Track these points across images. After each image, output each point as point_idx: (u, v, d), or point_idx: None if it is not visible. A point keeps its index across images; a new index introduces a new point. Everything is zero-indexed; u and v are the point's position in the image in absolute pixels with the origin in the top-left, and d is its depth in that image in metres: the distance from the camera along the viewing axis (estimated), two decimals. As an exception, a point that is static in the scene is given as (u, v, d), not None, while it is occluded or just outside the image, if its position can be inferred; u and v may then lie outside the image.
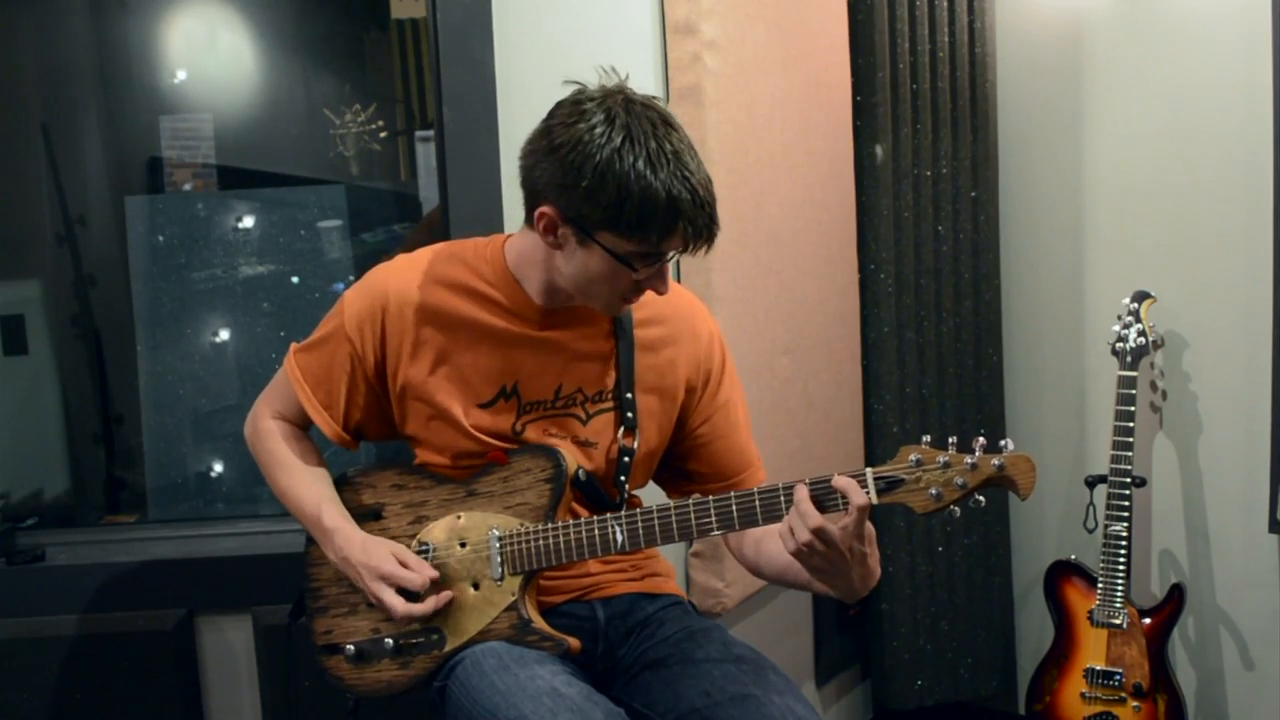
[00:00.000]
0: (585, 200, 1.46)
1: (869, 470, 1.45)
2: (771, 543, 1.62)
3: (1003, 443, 1.45)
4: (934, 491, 1.44)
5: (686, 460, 1.74)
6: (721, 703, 1.53)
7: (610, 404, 1.66)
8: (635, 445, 1.66)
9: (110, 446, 2.76)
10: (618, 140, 1.44)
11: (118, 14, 2.86)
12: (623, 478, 1.66)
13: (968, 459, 1.44)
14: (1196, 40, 2.60)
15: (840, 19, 2.61)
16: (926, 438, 1.47)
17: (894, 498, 1.45)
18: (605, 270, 1.51)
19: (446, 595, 1.60)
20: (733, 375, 1.75)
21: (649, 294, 1.64)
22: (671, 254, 1.51)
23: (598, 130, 1.45)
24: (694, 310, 1.73)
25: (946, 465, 1.44)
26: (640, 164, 1.43)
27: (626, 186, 1.43)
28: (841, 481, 1.44)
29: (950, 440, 1.47)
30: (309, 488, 1.70)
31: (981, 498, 1.46)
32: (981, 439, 1.45)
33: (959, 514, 1.47)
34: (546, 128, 1.50)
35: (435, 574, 1.60)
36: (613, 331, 1.66)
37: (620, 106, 1.46)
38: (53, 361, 2.74)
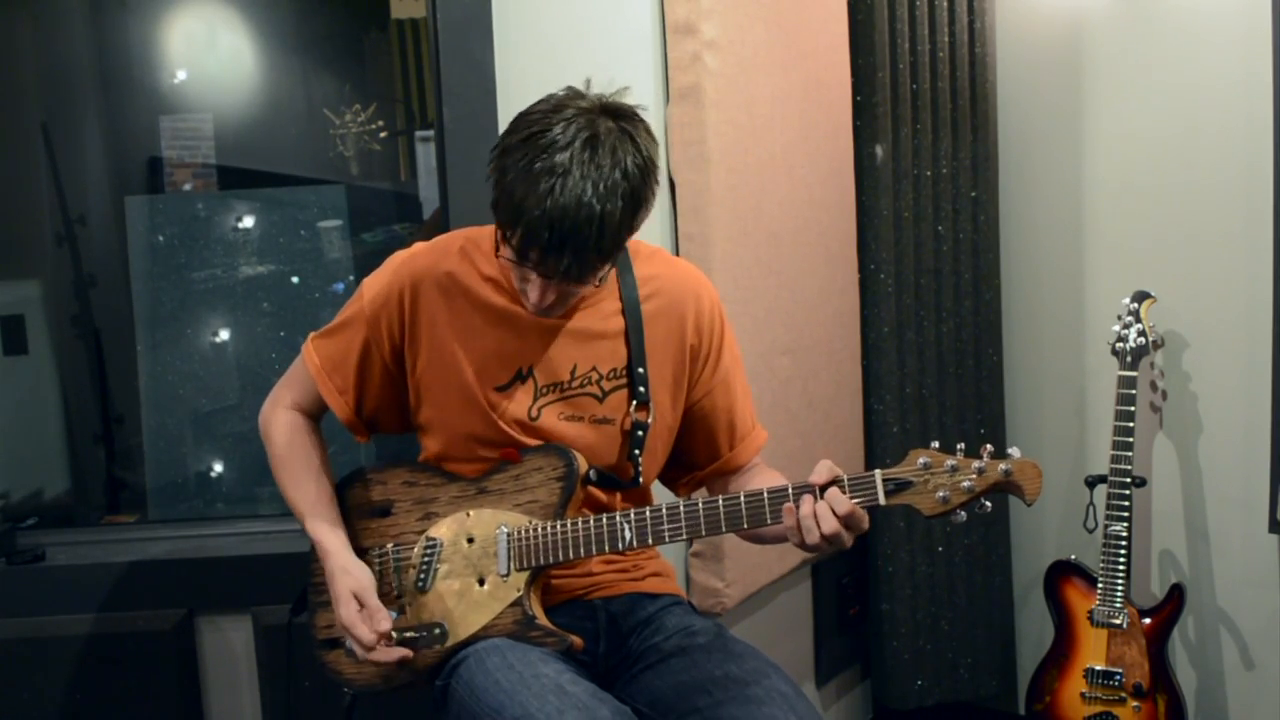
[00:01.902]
0: (492, 176, 1.49)
1: (878, 472, 1.47)
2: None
3: (1010, 450, 1.47)
4: (941, 495, 1.45)
5: (682, 437, 1.75)
6: (722, 702, 1.53)
7: (624, 380, 1.67)
8: (649, 420, 1.67)
9: (110, 446, 2.76)
10: (532, 131, 1.45)
11: (118, 14, 2.87)
12: (636, 451, 1.67)
13: (975, 463, 1.45)
14: (1196, 40, 2.60)
15: (840, 19, 2.61)
16: (935, 443, 1.49)
17: (902, 499, 1.47)
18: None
19: (404, 653, 1.59)
20: (732, 347, 1.77)
21: (653, 268, 1.69)
22: (540, 273, 1.50)
23: (521, 127, 1.47)
24: (697, 281, 1.74)
25: (954, 469, 1.45)
26: (524, 161, 1.44)
27: (503, 172, 1.46)
28: (843, 504, 1.46)
29: (958, 446, 1.48)
30: (302, 491, 1.72)
31: (988, 503, 1.47)
32: (989, 445, 1.47)
33: (965, 518, 1.47)
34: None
35: (386, 628, 1.58)
36: (622, 309, 1.67)
37: (574, 110, 1.47)
38: (53, 361, 2.74)
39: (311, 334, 1.76)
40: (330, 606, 1.70)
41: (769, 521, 1.51)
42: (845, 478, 1.47)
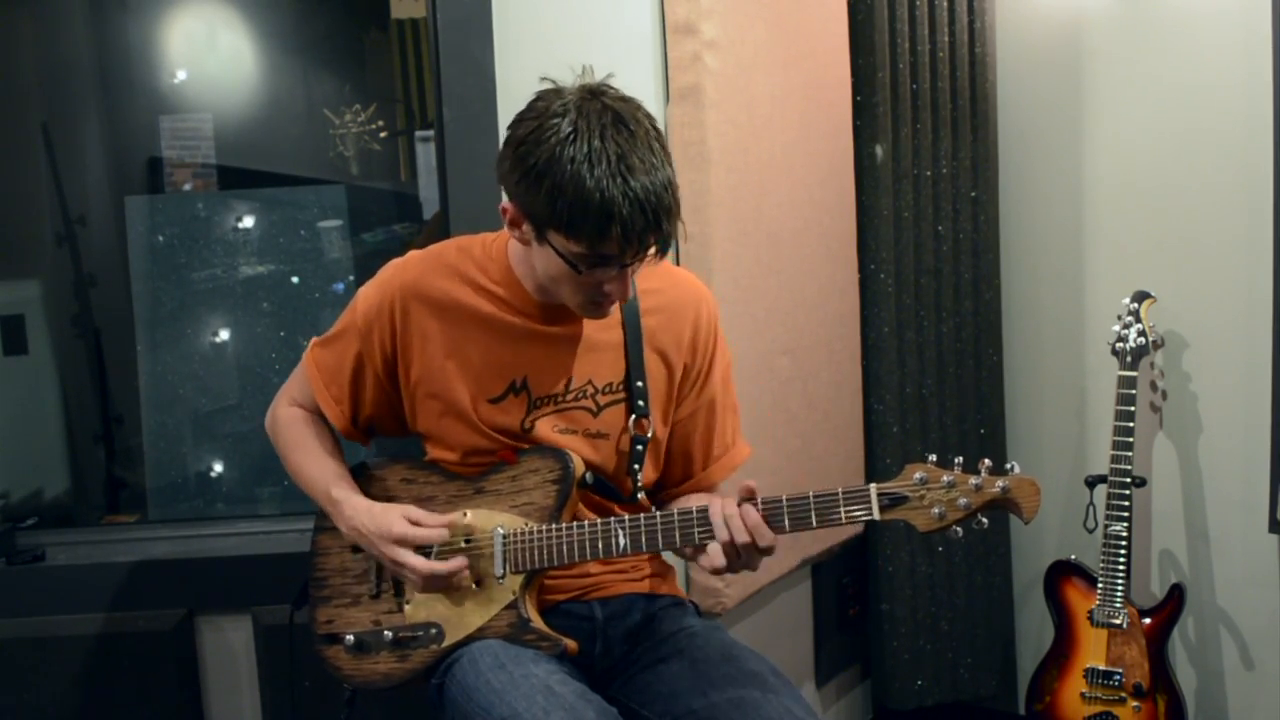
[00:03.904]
0: (529, 196, 1.46)
1: (873, 486, 1.47)
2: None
3: (1008, 465, 1.46)
4: (937, 510, 1.45)
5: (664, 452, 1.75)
6: (720, 704, 1.53)
7: (621, 395, 1.66)
8: (649, 434, 1.67)
9: (110, 446, 2.77)
10: (559, 137, 1.42)
11: (118, 14, 2.87)
12: (636, 466, 1.67)
13: (972, 479, 1.45)
14: (1196, 40, 2.60)
15: (840, 19, 2.61)
16: (932, 457, 1.48)
17: (897, 514, 1.46)
18: (562, 270, 1.50)
19: (463, 561, 1.59)
20: (723, 364, 1.76)
21: (656, 280, 1.67)
22: (632, 260, 1.47)
23: (545, 126, 1.44)
24: (698, 296, 1.73)
25: (951, 485, 1.45)
26: (577, 165, 1.41)
27: (561, 185, 1.41)
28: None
29: (956, 460, 1.48)
30: (320, 465, 1.72)
31: (985, 519, 1.47)
32: (987, 460, 1.47)
33: (961, 534, 1.47)
34: (512, 122, 1.51)
35: (449, 519, 1.60)
36: (621, 321, 1.66)
37: (574, 103, 1.45)
38: (53, 361, 2.74)
39: (314, 339, 1.76)
40: (330, 602, 1.71)
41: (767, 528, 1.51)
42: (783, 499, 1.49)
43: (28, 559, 2.24)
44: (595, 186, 1.40)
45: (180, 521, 2.50)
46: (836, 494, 1.47)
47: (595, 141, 1.41)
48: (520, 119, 1.48)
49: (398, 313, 1.65)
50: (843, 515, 1.47)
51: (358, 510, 1.64)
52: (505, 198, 1.52)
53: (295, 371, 1.80)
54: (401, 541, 1.58)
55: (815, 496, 1.48)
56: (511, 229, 1.54)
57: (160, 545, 2.33)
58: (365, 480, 1.73)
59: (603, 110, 1.44)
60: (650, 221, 1.43)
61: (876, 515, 1.46)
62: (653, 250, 1.47)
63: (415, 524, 1.60)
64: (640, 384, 1.66)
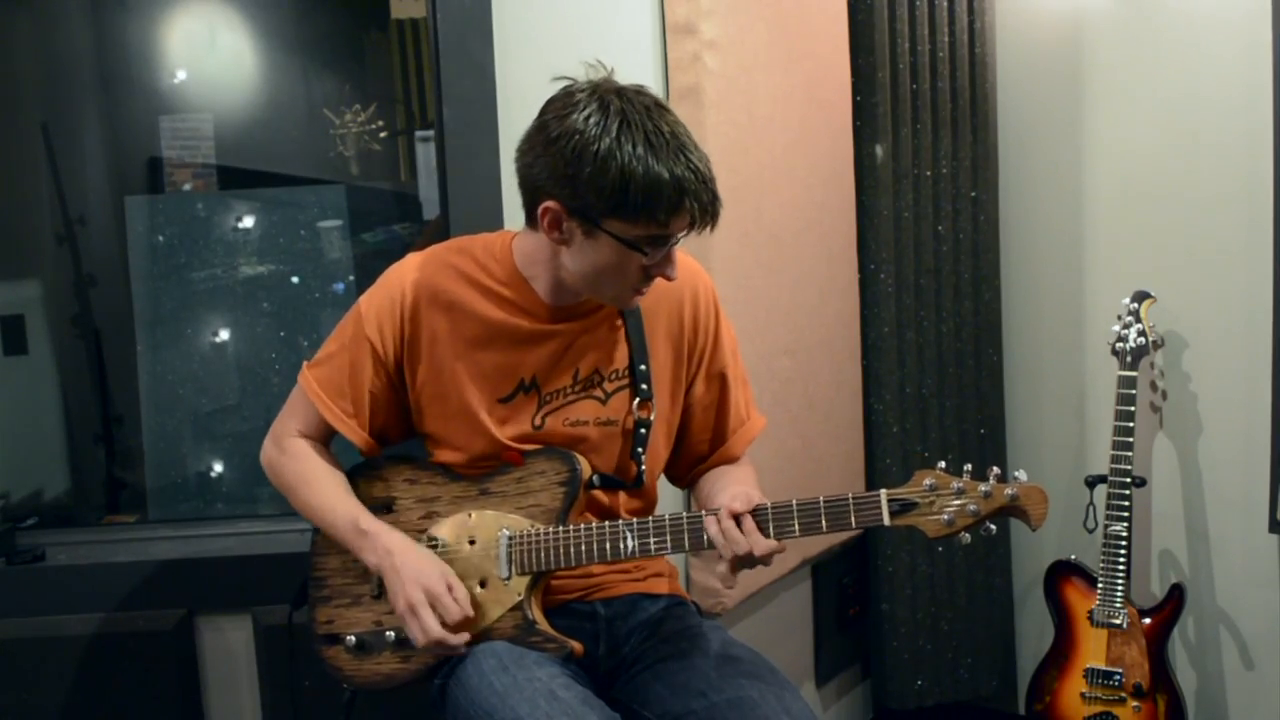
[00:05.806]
0: (589, 189, 1.46)
1: (883, 492, 1.47)
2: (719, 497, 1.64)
3: (1016, 473, 1.47)
4: (947, 517, 1.46)
5: (680, 431, 1.76)
6: (719, 704, 1.53)
7: (626, 380, 1.67)
8: (651, 417, 1.67)
9: (110, 446, 2.77)
10: (614, 126, 1.45)
11: (118, 14, 2.87)
12: (640, 450, 1.67)
13: (982, 487, 1.46)
14: (1197, 41, 2.60)
15: (840, 19, 2.61)
16: (941, 464, 1.49)
17: (907, 520, 1.47)
18: (614, 260, 1.52)
19: (465, 637, 1.58)
20: (728, 338, 1.77)
21: None
22: (680, 235, 1.51)
23: (593, 119, 1.45)
24: (693, 274, 1.74)
25: (960, 491, 1.46)
26: (640, 148, 1.44)
27: (629, 170, 1.44)
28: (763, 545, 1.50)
29: (965, 468, 1.49)
30: (341, 495, 1.69)
31: (993, 526, 1.48)
32: (996, 468, 1.48)
33: (969, 540, 1.48)
34: (541, 123, 1.51)
35: (471, 614, 1.59)
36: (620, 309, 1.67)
37: (612, 94, 1.48)
38: (53, 361, 2.74)
39: (306, 364, 1.73)
40: (329, 602, 1.71)
41: (771, 534, 1.51)
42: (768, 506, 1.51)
43: (28, 559, 2.24)
44: (664, 167, 1.45)
45: (180, 521, 2.50)
46: (847, 499, 1.48)
47: (649, 124, 1.45)
48: (550, 119, 1.49)
49: (406, 311, 1.65)
50: (853, 520, 1.48)
51: (395, 542, 1.61)
52: (545, 200, 1.51)
53: (291, 402, 1.75)
54: (431, 597, 1.56)
55: (825, 501, 1.49)
56: (550, 231, 1.53)
57: (160, 545, 2.33)
58: (368, 480, 1.72)
59: (638, 96, 1.48)
60: (712, 192, 1.49)
61: (886, 521, 1.47)
62: (715, 215, 1.51)
63: (450, 588, 1.58)
64: (644, 367, 1.67)
